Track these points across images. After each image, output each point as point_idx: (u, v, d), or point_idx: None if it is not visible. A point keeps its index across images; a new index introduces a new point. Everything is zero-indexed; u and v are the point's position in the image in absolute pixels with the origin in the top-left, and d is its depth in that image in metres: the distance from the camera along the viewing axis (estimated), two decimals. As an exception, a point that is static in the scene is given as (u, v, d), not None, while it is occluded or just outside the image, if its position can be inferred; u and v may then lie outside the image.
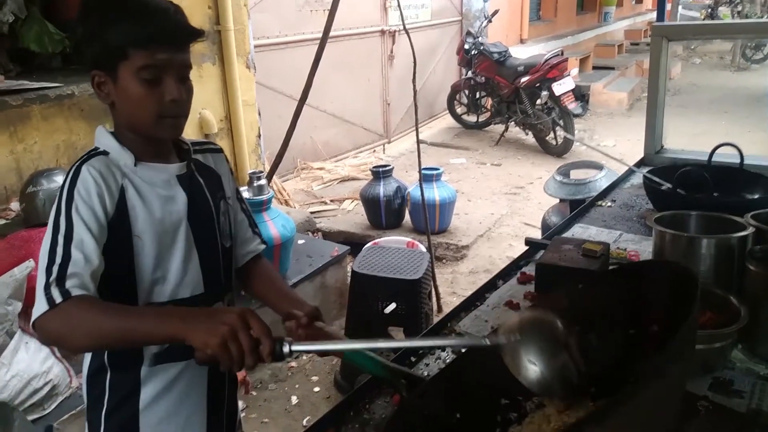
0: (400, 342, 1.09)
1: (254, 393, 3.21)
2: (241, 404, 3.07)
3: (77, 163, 1.19)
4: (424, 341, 1.04)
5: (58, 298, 1.04)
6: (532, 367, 0.94)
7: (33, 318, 1.05)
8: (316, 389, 3.26)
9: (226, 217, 1.40)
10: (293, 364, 3.46)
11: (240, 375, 3.00)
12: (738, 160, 2.23)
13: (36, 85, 3.26)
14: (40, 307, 1.04)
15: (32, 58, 3.87)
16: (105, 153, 1.22)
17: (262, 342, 0.99)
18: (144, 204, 1.22)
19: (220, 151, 1.47)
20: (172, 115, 1.20)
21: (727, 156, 2.27)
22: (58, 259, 1.08)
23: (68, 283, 1.06)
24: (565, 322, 0.97)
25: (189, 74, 1.24)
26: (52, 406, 2.45)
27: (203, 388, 1.36)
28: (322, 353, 1.06)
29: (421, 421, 1.04)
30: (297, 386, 3.29)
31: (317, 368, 3.44)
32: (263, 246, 1.53)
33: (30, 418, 2.32)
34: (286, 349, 1.00)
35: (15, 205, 3.04)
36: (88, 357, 1.31)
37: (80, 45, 1.20)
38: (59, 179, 2.86)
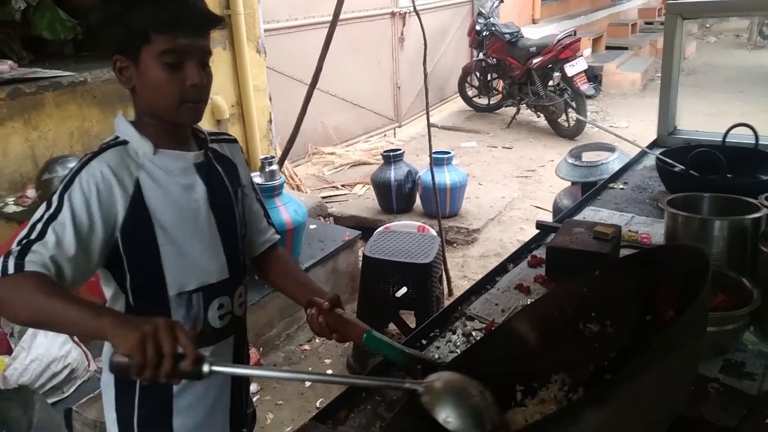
0: (319, 375, 1.10)
1: (268, 376, 3.25)
2: (255, 387, 3.12)
3: (91, 155, 1.21)
4: (346, 379, 1.06)
5: (10, 269, 1.06)
6: (450, 421, 0.97)
7: None
8: (329, 372, 3.30)
9: (243, 206, 1.42)
10: (306, 347, 3.50)
11: (253, 358, 3.04)
12: (753, 141, 2.21)
13: (49, 73, 3.28)
14: None
15: (45, 46, 3.89)
16: (124, 143, 1.24)
17: (187, 351, 0.97)
18: (163, 193, 1.23)
19: (235, 141, 1.49)
20: (193, 100, 1.22)
21: (741, 137, 2.25)
22: (33, 235, 1.11)
23: (28, 257, 1.08)
24: (480, 388, 1.01)
25: (209, 61, 1.25)
26: (71, 390, 2.50)
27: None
28: (243, 377, 1.08)
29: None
30: (310, 368, 3.32)
31: (330, 351, 3.47)
32: (278, 236, 1.55)
33: (50, 401, 2.37)
34: (206, 368, 0.97)
35: (31, 192, 3.08)
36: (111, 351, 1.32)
37: (101, 29, 1.21)
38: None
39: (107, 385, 1.35)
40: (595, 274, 1.21)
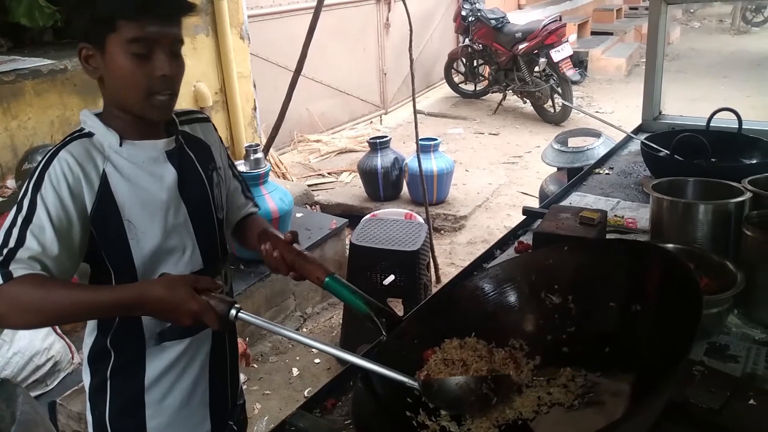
0: (333, 349, 1.11)
1: (255, 366, 3.24)
2: (242, 377, 3.10)
3: (56, 147, 1.16)
4: (364, 361, 1.08)
5: None
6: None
7: None
8: (317, 361, 3.30)
9: (219, 189, 1.37)
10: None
11: (240, 348, 3.03)
12: (736, 126, 2.21)
13: (28, 62, 3.22)
14: None
15: (23, 33, 3.81)
16: (89, 135, 1.19)
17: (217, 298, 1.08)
18: (130, 186, 1.19)
19: (208, 120, 1.44)
20: (162, 92, 1.16)
21: (725, 121, 2.26)
22: (11, 243, 1.07)
23: (13, 266, 1.05)
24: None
25: (180, 50, 1.20)
26: (55, 383, 2.48)
27: (205, 362, 1.37)
28: (263, 327, 1.11)
29: (400, 362, 1.07)
30: (298, 358, 3.32)
31: (317, 340, 3.46)
32: (256, 209, 1.51)
33: (33, 394, 2.34)
34: (233, 313, 1.09)
35: (11, 183, 3.03)
36: (89, 340, 1.31)
37: (69, 16, 1.17)
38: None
39: (84, 372, 1.34)
40: (564, 249, 1.24)
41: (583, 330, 1.16)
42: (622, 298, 1.12)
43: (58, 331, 2.53)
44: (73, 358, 2.56)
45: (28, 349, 2.38)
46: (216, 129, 1.45)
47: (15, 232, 1.08)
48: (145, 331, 1.27)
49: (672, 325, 1.00)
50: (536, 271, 1.24)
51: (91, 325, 1.30)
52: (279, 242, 1.29)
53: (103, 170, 1.17)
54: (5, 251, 1.06)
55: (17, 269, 1.05)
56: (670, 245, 1.44)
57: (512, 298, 1.24)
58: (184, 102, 3.55)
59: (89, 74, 1.19)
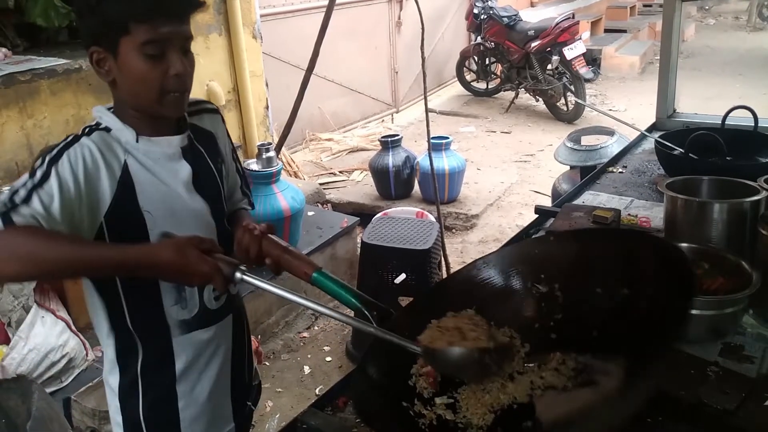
0: (339, 314, 1.11)
1: (267, 363, 3.26)
2: (254, 374, 3.12)
3: (77, 134, 1.16)
4: (367, 327, 1.08)
5: None
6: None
7: None
8: (328, 359, 3.30)
9: (227, 181, 1.39)
10: (305, 334, 3.50)
11: (253, 345, 3.04)
12: (752, 123, 2.19)
13: (44, 62, 3.25)
14: None
15: (39, 33, 3.85)
16: (107, 129, 1.20)
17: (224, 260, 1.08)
18: (151, 178, 1.20)
19: (216, 111, 1.43)
20: (176, 90, 1.17)
21: (741, 119, 2.24)
22: (17, 199, 1.04)
23: (14, 216, 1.02)
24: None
25: (190, 46, 1.20)
26: (70, 379, 2.51)
27: (229, 348, 1.39)
28: (271, 292, 1.09)
29: (392, 353, 1.09)
30: (309, 356, 3.33)
31: (329, 338, 3.47)
32: (249, 208, 1.50)
33: (48, 390, 2.37)
34: (238, 275, 1.09)
35: (26, 181, 3.06)
36: (109, 341, 1.29)
37: (79, 20, 1.17)
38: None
39: (110, 373, 1.33)
40: (550, 239, 1.28)
41: (571, 316, 1.18)
42: (609, 283, 1.14)
43: (73, 327, 2.55)
44: (87, 354, 2.59)
45: (44, 345, 2.40)
46: (224, 120, 1.45)
47: (23, 191, 1.05)
48: (168, 320, 1.28)
49: (663, 306, 1.01)
50: (522, 262, 1.27)
51: (105, 328, 1.28)
52: (261, 237, 1.26)
53: (125, 161, 1.18)
54: (9, 204, 1.03)
55: (18, 218, 1.02)
56: (684, 244, 1.43)
57: (500, 289, 1.26)
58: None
59: (101, 77, 1.19)
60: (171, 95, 1.17)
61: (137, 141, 1.20)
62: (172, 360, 1.30)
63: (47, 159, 1.10)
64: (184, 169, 1.26)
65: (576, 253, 1.22)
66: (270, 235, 1.27)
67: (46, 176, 1.07)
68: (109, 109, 1.24)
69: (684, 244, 1.42)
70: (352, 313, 1.23)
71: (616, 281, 1.13)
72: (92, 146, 1.14)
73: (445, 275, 3.80)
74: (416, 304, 1.33)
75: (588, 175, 2.49)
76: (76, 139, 1.15)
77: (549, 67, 6.96)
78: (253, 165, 3.50)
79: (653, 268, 1.10)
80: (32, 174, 1.08)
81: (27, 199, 1.04)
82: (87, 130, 1.19)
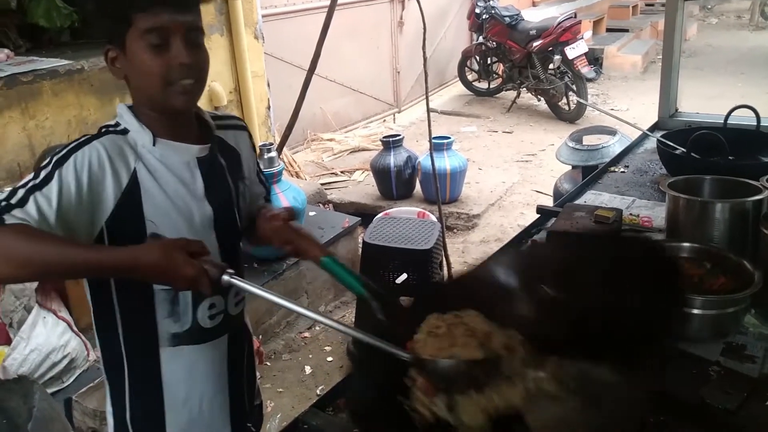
0: (330, 320, 1.10)
1: (268, 363, 3.26)
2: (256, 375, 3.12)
3: (89, 136, 1.15)
4: (356, 332, 1.07)
5: None
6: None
7: None
8: (329, 359, 3.30)
9: (243, 198, 1.36)
10: (306, 334, 3.50)
11: (254, 345, 3.04)
12: (754, 123, 2.19)
13: (45, 65, 3.25)
14: None
15: (41, 34, 3.86)
16: (124, 131, 1.19)
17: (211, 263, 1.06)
18: (159, 187, 1.18)
19: (244, 128, 1.42)
20: (182, 79, 1.15)
21: (743, 119, 2.23)
22: (13, 200, 1.04)
23: (6, 216, 1.01)
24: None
25: (202, 39, 1.19)
26: (71, 379, 2.51)
27: (223, 367, 1.36)
28: (265, 297, 1.09)
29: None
30: (310, 356, 3.33)
31: (330, 338, 3.47)
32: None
33: (49, 390, 2.37)
34: (225, 278, 1.07)
35: (28, 182, 3.07)
36: (102, 344, 1.29)
37: (92, 22, 1.19)
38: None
39: (104, 377, 1.33)
40: (547, 243, 1.27)
41: (566, 319, 1.16)
42: (605, 285, 1.13)
43: (74, 328, 2.55)
44: (88, 355, 2.59)
45: (45, 346, 2.40)
46: (251, 137, 1.43)
47: (21, 192, 1.05)
48: (159, 330, 1.26)
49: (653, 307, 1.02)
50: (519, 265, 1.26)
51: (100, 331, 1.28)
52: (277, 218, 1.30)
53: (134, 169, 1.16)
54: (3, 204, 1.03)
55: (9, 218, 1.02)
56: (686, 244, 1.43)
57: (497, 292, 1.25)
58: (198, 101, 3.56)
59: (116, 75, 1.19)
60: (177, 85, 1.15)
61: (154, 144, 1.19)
62: (159, 372, 1.28)
63: (54, 160, 1.10)
64: (196, 180, 1.24)
65: (573, 255, 1.22)
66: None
67: (48, 179, 1.07)
68: (130, 107, 1.22)
69: (686, 244, 1.42)
70: (349, 313, 1.23)
71: (612, 282, 1.12)
72: (101, 150, 1.13)
73: (446, 275, 3.80)
74: (417, 304, 1.32)
75: (590, 174, 2.49)
76: (88, 141, 1.14)
77: (551, 66, 6.95)
78: (255, 165, 3.50)
79: (644, 271, 1.09)
80: (36, 175, 1.08)
81: (24, 201, 1.04)
82: (103, 130, 1.18)
